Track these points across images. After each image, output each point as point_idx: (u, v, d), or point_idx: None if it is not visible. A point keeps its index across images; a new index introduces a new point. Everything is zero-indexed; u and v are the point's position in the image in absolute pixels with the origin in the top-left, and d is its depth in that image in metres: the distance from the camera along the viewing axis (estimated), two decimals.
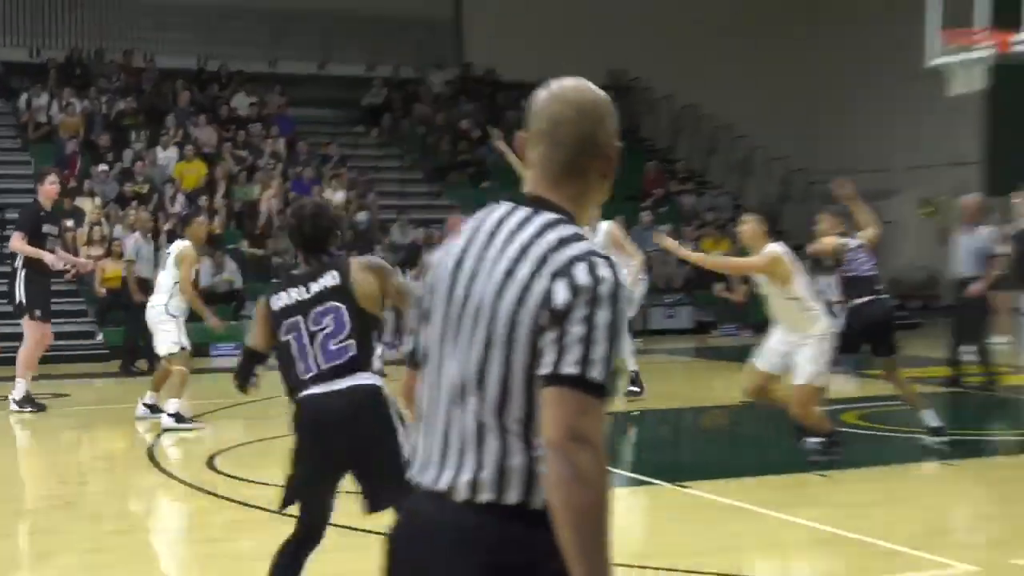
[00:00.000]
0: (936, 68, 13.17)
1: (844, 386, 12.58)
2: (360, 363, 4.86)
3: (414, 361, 2.62)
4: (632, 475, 8.56)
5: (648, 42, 25.81)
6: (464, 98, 25.43)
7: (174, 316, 11.04)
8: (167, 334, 11.02)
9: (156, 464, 9.17)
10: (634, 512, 7.66)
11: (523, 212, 2.47)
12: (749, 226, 8.77)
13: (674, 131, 26.67)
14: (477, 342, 2.38)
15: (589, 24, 25.87)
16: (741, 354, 17.36)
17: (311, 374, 4.86)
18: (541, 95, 2.60)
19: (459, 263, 2.46)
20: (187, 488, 8.22)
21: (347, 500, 5.08)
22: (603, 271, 2.33)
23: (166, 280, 11.09)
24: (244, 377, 5.31)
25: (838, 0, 26.05)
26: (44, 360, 16.70)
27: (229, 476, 8.46)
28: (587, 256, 2.35)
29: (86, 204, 19.42)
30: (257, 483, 8.22)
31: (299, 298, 4.92)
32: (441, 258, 2.54)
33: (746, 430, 11.48)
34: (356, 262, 5.09)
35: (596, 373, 2.26)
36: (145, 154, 21.26)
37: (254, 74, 24.64)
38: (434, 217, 20.75)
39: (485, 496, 2.35)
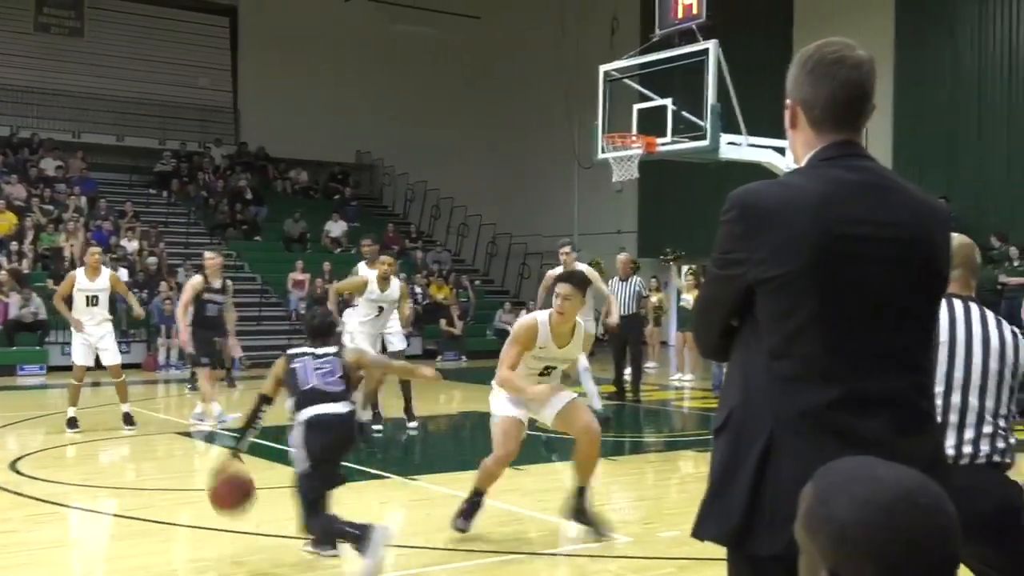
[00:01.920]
0: (603, 160, 13.72)
1: None
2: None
3: None
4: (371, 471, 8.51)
5: (388, 129, 25.96)
6: (240, 168, 24.82)
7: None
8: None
9: None
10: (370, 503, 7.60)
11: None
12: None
13: (407, 200, 26.84)
14: None
15: (342, 112, 25.79)
16: (458, 375, 17.61)
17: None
18: None
19: None
20: None
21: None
22: None
23: None
24: (252, 418, 5.50)
25: (525, 113, 26.84)
26: None
27: (29, 477, 7.93)
28: None
29: None
30: (53, 482, 7.77)
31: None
32: None
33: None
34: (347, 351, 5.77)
35: None
36: None
37: (61, 142, 23.34)
38: None
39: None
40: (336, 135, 25.75)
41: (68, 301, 10.49)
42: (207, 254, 11.53)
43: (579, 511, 6.04)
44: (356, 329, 10.24)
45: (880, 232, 2.11)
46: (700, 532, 2.23)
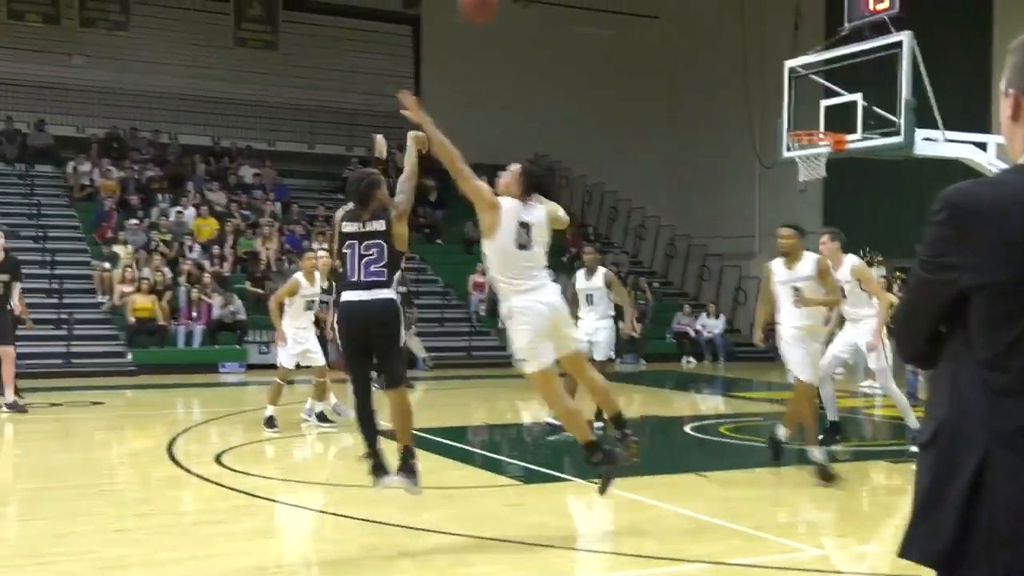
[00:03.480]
0: (787, 160, 13.40)
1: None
2: (387, 283, 5.94)
3: None
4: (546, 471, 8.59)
5: (566, 131, 26.13)
6: (423, 172, 25.41)
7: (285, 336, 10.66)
8: (281, 351, 10.80)
9: (174, 460, 9.07)
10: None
11: None
12: (827, 244, 8.76)
13: (585, 202, 26.91)
14: None
15: (520, 115, 26.10)
16: (637, 378, 17.51)
17: (353, 281, 5.94)
18: None
19: None
20: (198, 479, 8.13)
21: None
22: None
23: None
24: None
25: (704, 112, 26.46)
26: (83, 374, 16.56)
27: (233, 470, 8.39)
28: None
29: (121, 250, 19.23)
30: (255, 476, 8.20)
31: (358, 231, 6.01)
32: None
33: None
34: (395, 214, 6.05)
35: None
36: (169, 212, 21.13)
37: (258, 150, 24.60)
38: None
39: None
40: (514, 137, 26.06)
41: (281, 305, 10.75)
42: (308, 254, 11.51)
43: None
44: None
45: None
46: (906, 552, 2.15)
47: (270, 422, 10.52)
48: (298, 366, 10.86)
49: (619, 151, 26.36)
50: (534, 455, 9.92)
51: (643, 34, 26.94)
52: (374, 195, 6.03)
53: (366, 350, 6.02)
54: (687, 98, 27.28)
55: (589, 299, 10.43)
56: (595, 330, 10.28)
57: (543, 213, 5.94)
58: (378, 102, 25.88)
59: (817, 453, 7.79)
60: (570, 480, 8.18)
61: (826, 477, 7.64)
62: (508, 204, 5.87)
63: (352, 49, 25.72)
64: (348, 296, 5.98)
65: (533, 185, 5.95)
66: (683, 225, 25.69)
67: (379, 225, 5.99)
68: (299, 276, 10.80)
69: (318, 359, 10.75)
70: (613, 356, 11.07)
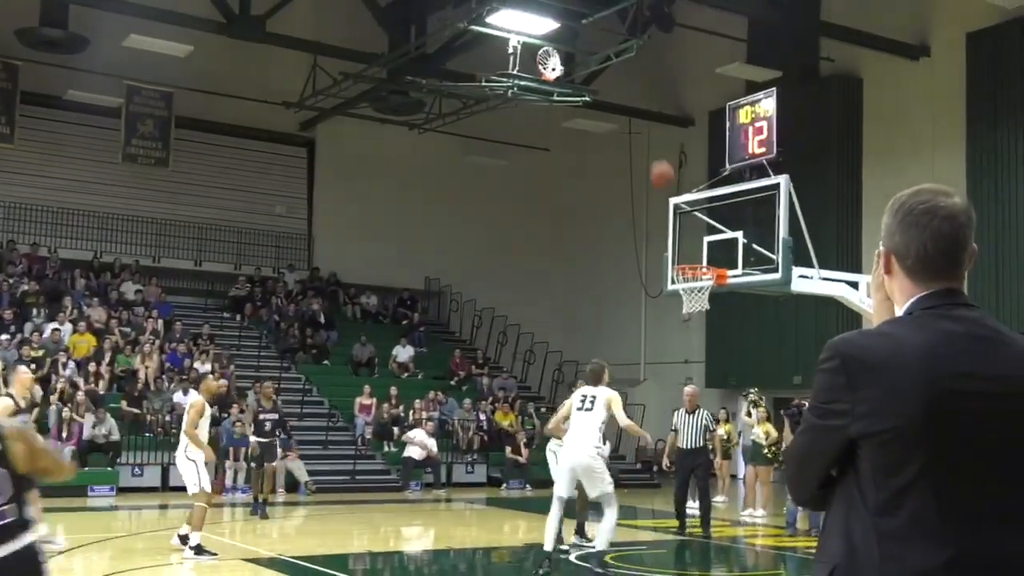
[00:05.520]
0: (674, 291, 13.70)
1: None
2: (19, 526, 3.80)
3: None
4: None
5: (455, 257, 26.39)
6: (312, 293, 25.28)
7: (192, 460, 10.33)
8: (189, 476, 10.39)
9: None
10: None
11: None
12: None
13: (475, 326, 26.99)
14: None
15: (411, 239, 26.30)
16: (523, 504, 17.39)
17: None
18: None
19: None
20: None
21: None
22: None
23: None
24: None
25: (592, 242, 27.12)
26: None
27: None
28: None
29: None
30: None
31: None
32: None
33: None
34: (9, 430, 3.86)
35: None
36: (44, 327, 20.34)
37: (143, 266, 24.08)
38: (284, 387, 20.26)
39: None
40: (405, 261, 26.21)
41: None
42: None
43: None
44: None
45: (991, 386, 2.04)
46: None
47: (200, 549, 10.17)
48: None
49: (508, 276, 26.70)
50: None
51: (535, 164, 27.65)
52: None
53: None
54: (577, 227, 27.97)
55: None
56: None
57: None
58: (269, 221, 25.83)
59: None
60: None
61: None
62: None
63: (246, 169, 25.67)
64: None
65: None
66: (571, 351, 25.94)
67: None
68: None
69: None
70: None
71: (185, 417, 10.72)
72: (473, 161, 27.18)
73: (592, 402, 9.30)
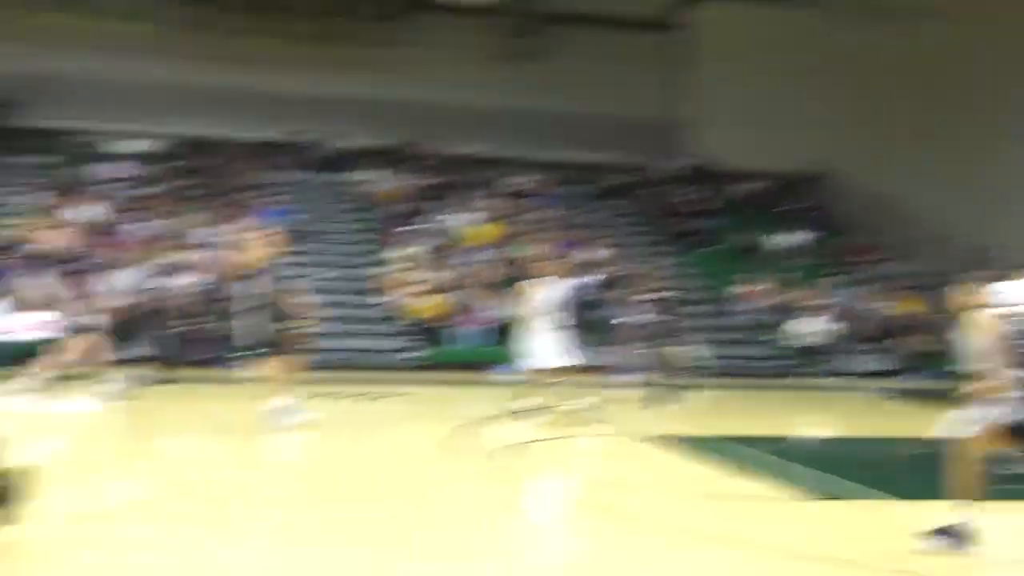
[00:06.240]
0: None
1: None
2: None
3: None
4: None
5: (840, 137, 25.05)
6: (691, 181, 25.07)
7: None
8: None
9: None
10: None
11: None
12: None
13: (864, 213, 25.55)
14: None
15: (797, 123, 25.23)
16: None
17: None
18: None
19: None
20: None
21: None
22: None
23: None
24: None
25: (992, 117, 24.55)
26: (379, 368, 17.27)
27: None
28: None
29: (403, 253, 19.95)
30: None
31: None
32: None
33: None
34: None
35: None
36: (449, 218, 21.79)
37: (529, 161, 24.93)
38: (667, 275, 20.26)
39: None
40: (791, 145, 25.24)
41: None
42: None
43: None
44: None
45: None
46: None
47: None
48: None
49: (900, 159, 24.91)
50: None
51: (931, 37, 25.37)
52: None
53: None
54: (977, 103, 25.44)
55: None
56: None
57: None
58: (643, 109, 25.78)
59: None
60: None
61: None
62: None
63: (621, 59, 25.78)
64: None
65: None
66: (967, 233, 23.82)
67: None
68: None
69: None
70: None
71: None
72: (860, 36, 25.39)
73: None
